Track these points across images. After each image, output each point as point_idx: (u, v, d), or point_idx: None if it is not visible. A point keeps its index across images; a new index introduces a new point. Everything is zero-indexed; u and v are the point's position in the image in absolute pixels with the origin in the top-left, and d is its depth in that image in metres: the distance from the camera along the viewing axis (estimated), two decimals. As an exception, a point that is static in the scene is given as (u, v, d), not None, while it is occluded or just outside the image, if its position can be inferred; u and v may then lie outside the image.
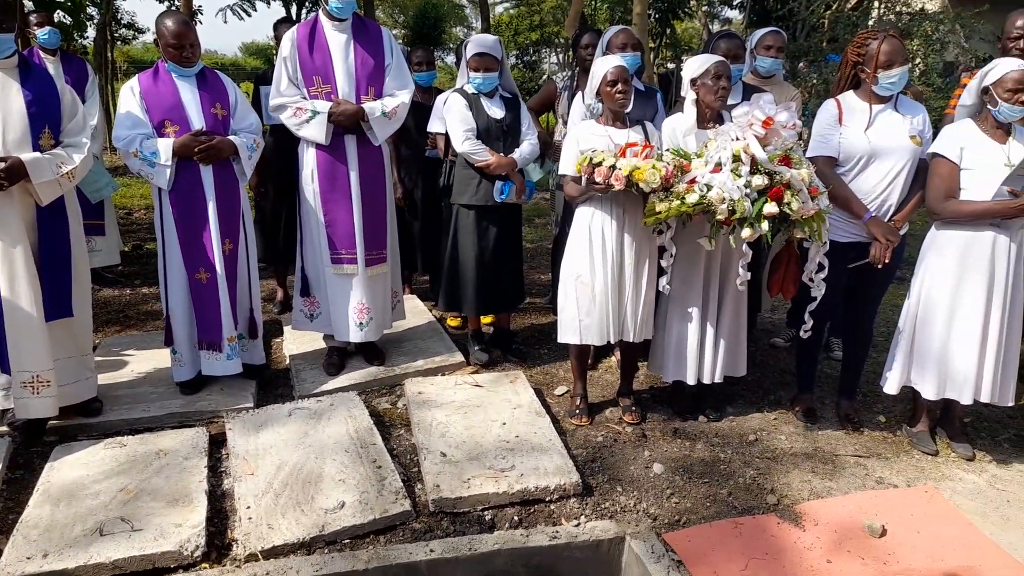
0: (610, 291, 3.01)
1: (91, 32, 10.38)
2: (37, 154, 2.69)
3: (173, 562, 2.19)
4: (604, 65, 2.98)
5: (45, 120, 2.76)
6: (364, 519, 2.40)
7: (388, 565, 2.22)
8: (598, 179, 2.81)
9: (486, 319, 4.05)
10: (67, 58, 4.67)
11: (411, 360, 3.67)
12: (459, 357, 3.73)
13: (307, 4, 11.79)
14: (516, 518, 2.52)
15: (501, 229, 3.60)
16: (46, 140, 2.76)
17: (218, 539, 2.36)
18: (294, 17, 9.81)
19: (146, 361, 3.62)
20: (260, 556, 2.24)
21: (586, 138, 3.00)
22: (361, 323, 3.50)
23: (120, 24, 10.78)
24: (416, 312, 4.32)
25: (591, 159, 2.84)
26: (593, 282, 3.02)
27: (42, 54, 4.46)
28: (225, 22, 18.94)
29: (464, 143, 3.45)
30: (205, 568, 2.21)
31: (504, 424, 3.03)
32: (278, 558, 2.24)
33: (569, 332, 3.10)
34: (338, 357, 3.60)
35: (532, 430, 2.98)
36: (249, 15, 10.66)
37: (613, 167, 2.78)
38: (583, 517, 2.54)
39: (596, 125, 3.06)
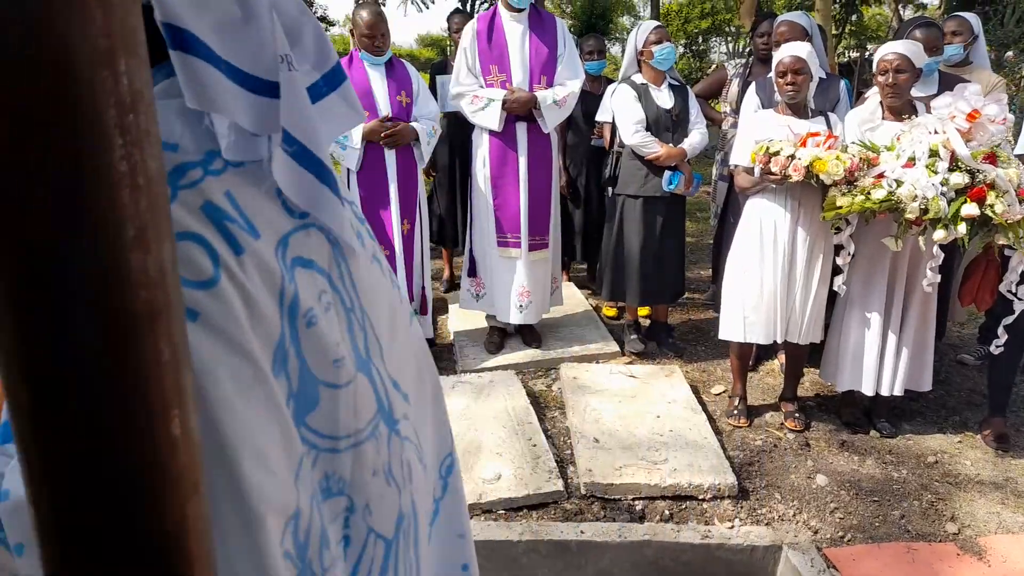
0: (779, 288, 2.90)
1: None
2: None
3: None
4: (779, 54, 2.88)
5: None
6: (519, 493, 2.50)
7: (539, 540, 2.30)
8: (775, 169, 2.70)
9: (643, 311, 4.03)
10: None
11: (567, 346, 3.74)
12: (614, 346, 3.75)
13: (481, -4, 12.17)
14: (667, 512, 2.51)
15: (666, 220, 3.57)
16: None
17: (386, 494, 2.55)
18: (467, 9, 10.17)
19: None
20: (423, 514, 2.40)
21: (763, 127, 2.89)
22: (521, 306, 3.61)
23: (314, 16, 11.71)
24: (573, 299, 4.38)
25: (768, 148, 2.74)
26: (761, 277, 2.92)
27: None
28: (404, 15, 19.92)
29: (634, 135, 3.44)
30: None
31: (658, 417, 3.01)
32: (439, 518, 2.38)
33: (732, 329, 3.02)
34: (498, 337, 3.74)
35: (687, 426, 2.95)
36: (427, 7, 11.19)
37: (792, 157, 2.67)
38: (737, 520, 2.48)
39: (774, 114, 2.94)
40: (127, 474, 0.40)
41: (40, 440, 0.39)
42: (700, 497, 2.57)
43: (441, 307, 4.34)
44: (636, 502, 2.55)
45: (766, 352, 3.67)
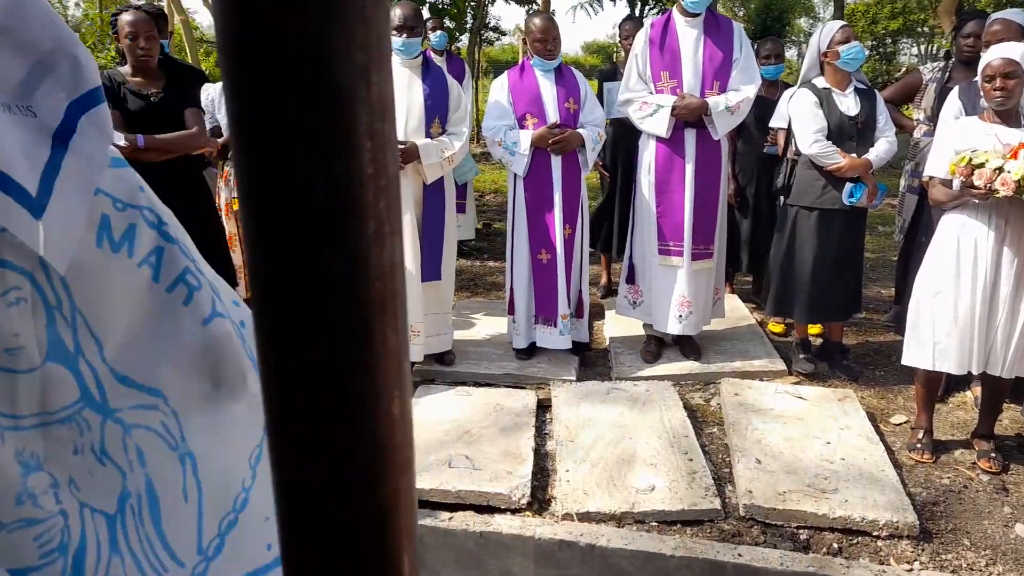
0: (978, 313, 2.61)
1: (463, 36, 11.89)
2: (428, 140, 3.21)
3: (503, 504, 2.47)
4: (987, 56, 2.60)
5: (437, 112, 3.26)
6: (673, 507, 2.44)
7: (694, 557, 2.23)
8: (978, 183, 2.44)
9: (814, 329, 3.78)
10: (450, 58, 5.42)
11: (728, 360, 3.60)
12: (780, 365, 3.55)
13: (651, 1, 12.05)
14: (835, 545, 2.34)
15: (844, 234, 3.33)
16: (435, 128, 3.27)
17: (539, 493, 2.59)
18: (639, 14, 10.09)
19: (489, 325, 4.09)
20: (575, 517, 2.42)
21: (965, 136, 2.62)
22: (681, 316, 3.53)
23: (488, 27, 12.20)
24: (736, 312, 4.21)
25: (971, 160, 2.48)
26: (956, 301, 2.64)
27: (432, 55, 5.25)
28: (573, 22, 20.18)
29: (812, 145, 3.24)
30: (528, 516, 2.45)
31: (828, 443, 2.82)
32: (590, 523, 2.39)
33: (919, 355, 2.76)
34: (655, 346, 3.67)
35: (861, 456, 2.73)
36: (597, 13, 11.25)
37: (1000, 169, 2.40)
38: (917, 564, 2.26)
39: (979, 122, 2.66)
40: (356, 452, 0.45)
41: (289, 414, 0.44)
42: (874, 534, 2.37)
43: (598, 312, 4.34)
44: (800, 531, 2.40)
45: (957, 383, 3.32)
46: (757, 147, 4.22)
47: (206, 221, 3.23)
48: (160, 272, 0.91)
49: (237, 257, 3.50)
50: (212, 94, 3.42)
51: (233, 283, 3.44)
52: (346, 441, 0.46)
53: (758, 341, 3.85)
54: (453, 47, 8.78)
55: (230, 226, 3.51)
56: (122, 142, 2.71)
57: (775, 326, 4.09)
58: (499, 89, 3.61)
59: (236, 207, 3.49)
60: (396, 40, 3.17)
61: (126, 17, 2.92)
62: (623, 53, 4.60)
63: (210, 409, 1.00)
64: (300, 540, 0.48)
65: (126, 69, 3.00)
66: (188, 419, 0.99)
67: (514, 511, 2.47)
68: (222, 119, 3.40)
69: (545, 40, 3.43)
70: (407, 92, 3.22)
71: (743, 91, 3.35)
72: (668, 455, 2.73)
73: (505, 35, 14.53)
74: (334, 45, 0.40)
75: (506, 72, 3.72)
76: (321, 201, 0.42)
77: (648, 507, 2.44)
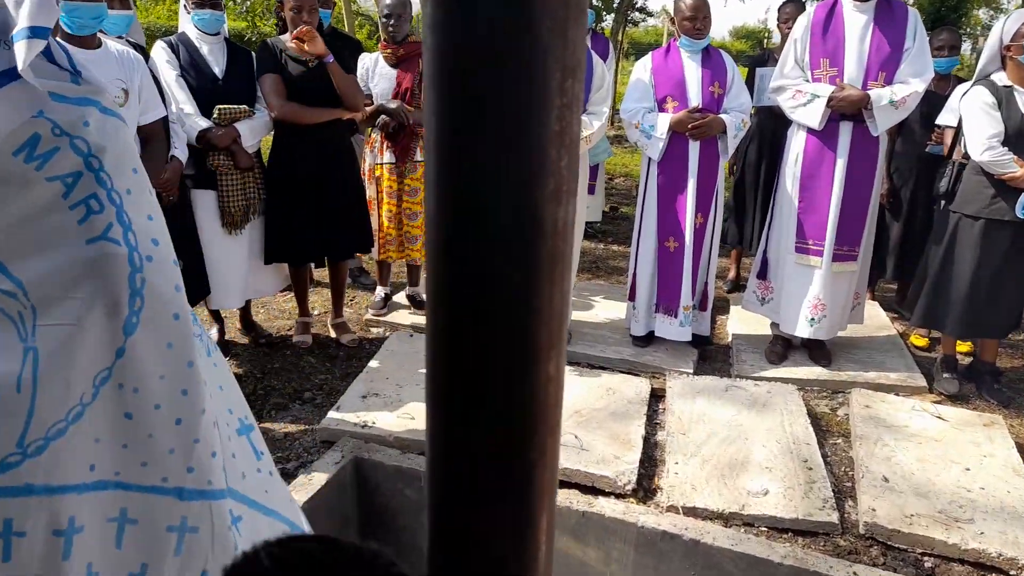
0: None
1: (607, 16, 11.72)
2: (584, 117, 3.20)
3: (608, 487, 2.47)
4: None
5: (578, 89, 3.24)
6: (786, 514, 2.35)
7: (804, 569, 2.14)
8: None
9: (964, 347, 3.48)
10: (595, 36, 5.37)
11: (861, 370, 3.38)
12: (920, 381, 3.30)
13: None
14: (965, 579, 2.17)
15: (1011, 247, 3.03)
16: (575, 106, 3.25)
17: (645, 481, 2.57)
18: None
19: (608, 309, 4.06)
20: (680, 510, 2.37)
21: None
22: (813, 319, 3.34)
23: (634, 8, 11.95)
24: (876, 320, 3.94)
25: None
26: None
27: None
28: (725, 5, 19.38)
29: (985, 152, 2.95)
30: (632, 502, 2.43)
31: (967, 470, 2.60)
32: (696, 518, 2.34)
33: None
34: (782, 347, 3.51)
35: (1005, 488, 2.50)
36: (749, -3, 10.72)
37: None
38: (1061, 612, 2.06)
39: None
40: (512, 408, 0.46)
41: (453, 362, 0.46)
42: (1011, 572, 2.17)
43: (722, 307, 4.20)
44: (925, 558, 2.24)
45: None
46: (919, 145, 3.90)
47: (351, 183, 3.40)
48: (71, 191, 1.07)
49: (373, 221, 3.65)
50: (367, 63, 3.56)
51: (368, 246, 3.60)
52: (503, 397, 0.47)
53: (897, 353, 3.59)
54: (598, 26, 8.67)
55: (370, 190, 3.66)
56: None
57: (918, 339, 3.79)
58: (641, 70, 3.53)
59: (378, 173, 3.64)
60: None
61: None
62: (780, 38, 4.37)
63: (68, 320, 1.09)
64: (451, 491, 0.50)
65: (286, 37, 3.19)
66: (44, 318, 1.08)
67: (618, 496, 2.46)
68: (375, 88, 3.55)
69: (695, 18, 3.32)
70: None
71: (911, 84, 3.09)
72: (785, 461, 2.61)
73: (652, 16, 14.17)
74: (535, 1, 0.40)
75: (651, 52, 3.64)
76: (504, 154, 0.43)
77: (759, 511, 2.36)
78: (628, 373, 3.35)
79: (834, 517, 2.34)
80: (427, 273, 0.47)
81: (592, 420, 2.83)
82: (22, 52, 1.02)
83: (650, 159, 3.47)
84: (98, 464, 1.16)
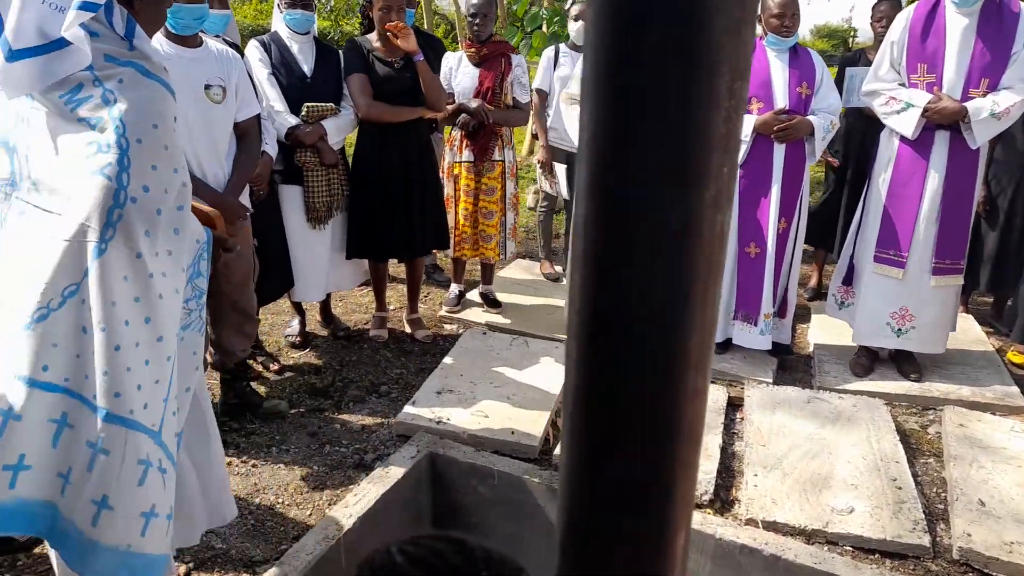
0: None
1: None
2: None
3: (684, 496, 2.42)
4: None
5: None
6: (873, 534, 2.25)
7: (893, 593, 2.05)
8: None
9: (1069, 366, 3.26)
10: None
11: (954, 386, 3.21)
12: (1019, 400, 3.11)
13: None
14: (1071, 615, 2.03)
15: None
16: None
17: (723, 492, 2.50)
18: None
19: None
20: (760, 524, 2.30)
21: None
22: (900, 329, 3.20)
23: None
24: (969, 334, 3.74)
25: None
26: None
27: None
28: (808, 3, 18.80)
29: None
30: (710, 513, 2.38)
31: (1073, 499, 2.43)
32: (776, 533, 2.26)
33: None
34: (867, 359, 3.37)
35: (1117, 520, 2.33)
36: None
37: None
38: None
39: None
40: (658, 417, 0.45)
41: (598, 367, 0.45)
42: (1125, 614, 2.02)
43: (803, 315, 4.06)
44: (1026, 591, 2.11)
45: None
46: (1020, 153, 3.68)
47: (430, 180, 3.45)
48: (93, 130, 1.38)
49: (451, 218, 3.69)
50: (451, 62, 3.60)
51: (445, 243, 3.64)
52: (650, 406, 0.46)
53: (993, 370, 3.39)
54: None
55: (448, 188, 3.70)
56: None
57: (1017, 356, 3.58)
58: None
59: (456, 171, 3.67)
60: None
61: None
62: (873, 37, 4.19)
63: (56, 210, 1.38)
64: (594, 498, 0.49)
65: (373, 36, 3.25)
66: (40, 202, 1.41)
67: (695, 506, 2.40)
68: (457, 86, 3.58)
69: (783, 15, 3.21)
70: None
71: (1016, 91, 2.90)
72: (872, 479, 2.50)
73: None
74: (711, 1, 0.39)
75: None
76: (667, 156, 0.42)
77: (844, 529, 2.27)
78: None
79: (925, 540, 2.23)
80: (572, 276, 0.46)
81: (667, 426, 2.78)
82: (69, 19, 1.32)
83: (732, 161, 3.38)
84: (51, 366, 1.32)
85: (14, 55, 1.33)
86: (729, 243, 3.40)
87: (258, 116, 2.83)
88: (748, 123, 3.25)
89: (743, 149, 3.29)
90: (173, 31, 2.42)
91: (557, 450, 2.64)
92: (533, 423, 2.79)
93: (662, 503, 0.48)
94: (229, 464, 2.54)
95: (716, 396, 3.05)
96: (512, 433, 2.73)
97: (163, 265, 1.39)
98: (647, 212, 0.42)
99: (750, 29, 0.39)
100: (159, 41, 2.40)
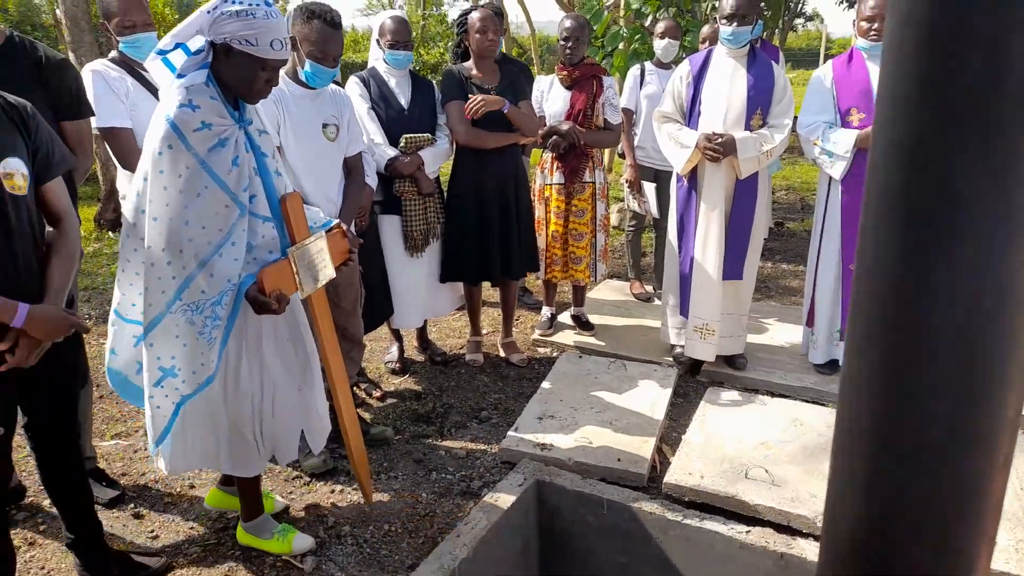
0: None
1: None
2: (747, 133, 3.07)
3: (805, 527, 2.31)
4: None
5: (759, 103, 3.11)
6: (1020, 571, 2.08)
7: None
8: None
9: None
10: (764, 46, 5.13)
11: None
12: None
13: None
14: None
15: None
16: (756, 120, 3.11)
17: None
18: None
19: (782, 332, 3.85)
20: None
21: None
22: None
23: (797, 14, 11.40)
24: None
25: None
26: None
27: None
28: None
29: None
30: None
31: None
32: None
33: None
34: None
35: None
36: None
37: None
38: None
39: None
40: (973, 439, 0.41)
41: (888, 423, 0.42)
42: None
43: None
44: None
45: None
46: None
47: (523, 204, 3.46)
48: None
49: (541, 240, 3.69)
50: (543, 86, 3.63)
51: (536, 266, 3.64)
52: (964, 430, 0.42)
53: None
54: (765, 34, 8.35)
55: (539, 210, 3.71)
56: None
57: None
58: (821, 80, 3.32)
59: (547, 193, 3.68)
60: (725, 29, 3.08)
61: (477, 14, 3.21)
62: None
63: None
64: (897, 528, 0.46)
65: (469, 64, 3.30)
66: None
67: (817, 537, 2.29)
68: (548, 108, 3.60)
69: (873, 19, 3.07)
70: (730, 82, 3.11)
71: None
72: (1016, 510, 2.33)
73: (811, 20, 13.46)
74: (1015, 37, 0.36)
75: (830, 61, 3.42)
76: (970, 173, 0.38)
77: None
78: (813, 402, 3.15)
79: (1080, 579, 2.05)
80: (854, 306, 0.43)
81: (782, 453, 2.67)
82: (148, 61, 1.90)
83: (831, 178, 3.25)
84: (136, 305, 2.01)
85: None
86: (830, 261, 3.27)
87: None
88: (848, 138, 3.11)
89: (843, 167, 3.15)
90: (310, 86, 2.59)
91: (666, 478, 2.57)
92: (638, 450, 2.74)
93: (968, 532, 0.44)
94: (340, 491, 2.59)
95: (830, 419, 2.91)
96: (618, 460, 2.68)
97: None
98: (939, 232, 0.38)
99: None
100: (284, 82, 2.54)
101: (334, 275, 2.19)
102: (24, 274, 1.73)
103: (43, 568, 2.22)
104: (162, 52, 1.88)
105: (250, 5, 1.81)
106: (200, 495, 2.57)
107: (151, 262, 1.85)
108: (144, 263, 1.87)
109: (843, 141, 3.12)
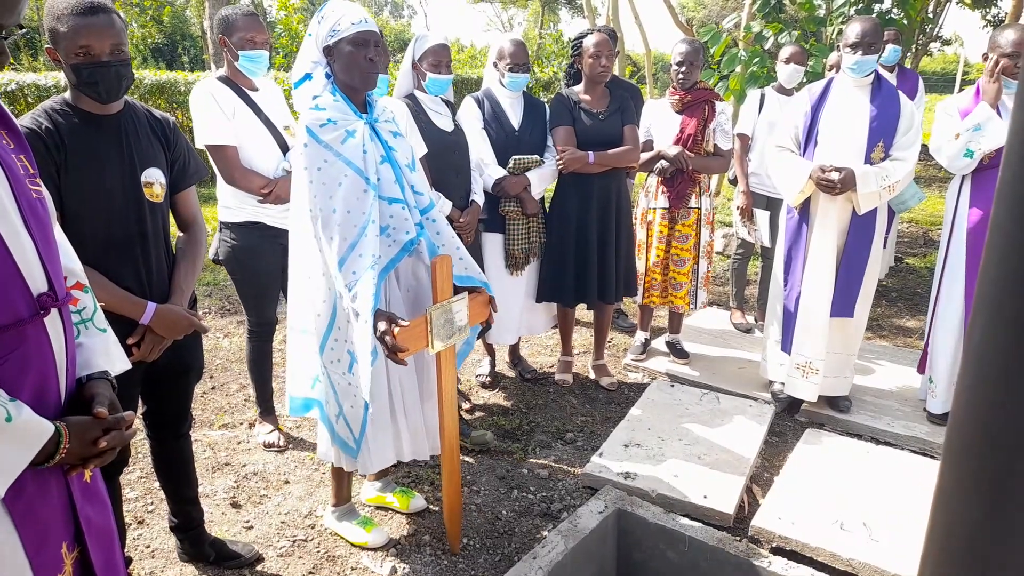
0: None
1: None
2: (867, 167, 2.92)
3: (904, 589, 2.17)
4: None
5: (881, 135, 2.95)
6: None
7: None
8: None
9: None
10: (903, 72, 4.86)
11: None
12: None
13: None
14: None
15: None
16: (877, 153, 2.96)
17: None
18: None
19: (894, 375, 3.63)
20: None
21: None
22: None
23: (933, 38, 10.72)
24: None
25: None
26: None
27: (880, 69, 4.68)
28: None
29: None
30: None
31: None
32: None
33: None
34: None
35: None
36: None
37: None
38: None
39: None
40: None
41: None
42: None
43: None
44: None
45: None
46: None
47: (624, 227, 3.44)
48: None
49: (641, 264, 3.65)
50: (654, 109, 3.60)
51: (634, 290, 3.60)
52: None
53: None
54: (903, 60, 7.90)
55: (640, 234, 3.67)
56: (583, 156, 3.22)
57: None
58: (951, 112, 3.10)
59: (650, 217, 3.64)
60: (849, 58, 2.95)
61: (592, 39, 3.23)
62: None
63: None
64: None
65: (579, 88, 3.33)
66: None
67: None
68: (657, 133, 3.57)
69: (1018, 55, 2.84)
70: (851, 113, 2.97)
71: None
72: None
73: (949, 44, 12.62)
74: None
75: (968, 89, 3.20)
76: None
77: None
78: (922, 454, 2.94)
79: None
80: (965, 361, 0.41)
81: (883, 506, 2.52)
82: (294, 91, 2.16)
83: (955, 209, 3.04)
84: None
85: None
86: (953, 304, 3.05)
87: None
88: (1002, 128, 2.87)
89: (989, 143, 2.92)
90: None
91: (754, 520, 2.48)
92: (726, 489, 2.65)
93: None
94: (425, 499, 2.65)
95: (940, 477, 2.71)
96: (704, 497, 2.60)
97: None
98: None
99: None
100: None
101: (468, 336, 2.26)
102: (155, 275, 1.90)
103: (148, 547, 2.40)
104: (297, 84, 2.12)
105: (325, 6, 2.06)
106: (294, 491, 2.70)
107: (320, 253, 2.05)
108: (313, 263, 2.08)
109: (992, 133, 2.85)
